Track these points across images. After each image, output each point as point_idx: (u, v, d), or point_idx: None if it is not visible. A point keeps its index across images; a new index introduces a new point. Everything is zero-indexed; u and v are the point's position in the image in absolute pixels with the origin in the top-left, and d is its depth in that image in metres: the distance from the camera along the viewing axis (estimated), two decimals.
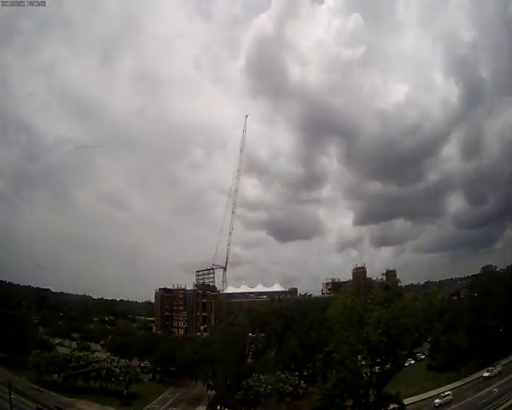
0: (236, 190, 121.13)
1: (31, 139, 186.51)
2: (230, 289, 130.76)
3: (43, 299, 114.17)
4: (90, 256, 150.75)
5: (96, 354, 74.09)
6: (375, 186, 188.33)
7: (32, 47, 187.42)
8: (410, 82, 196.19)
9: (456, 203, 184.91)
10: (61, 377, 62.03)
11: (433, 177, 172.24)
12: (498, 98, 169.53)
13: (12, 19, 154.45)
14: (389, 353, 42.23)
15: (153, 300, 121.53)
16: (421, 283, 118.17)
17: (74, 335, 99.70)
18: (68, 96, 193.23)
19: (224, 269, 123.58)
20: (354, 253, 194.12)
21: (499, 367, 56.75)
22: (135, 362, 72.56)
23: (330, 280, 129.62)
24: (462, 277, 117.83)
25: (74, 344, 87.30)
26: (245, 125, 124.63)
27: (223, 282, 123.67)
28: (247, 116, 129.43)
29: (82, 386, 61.81)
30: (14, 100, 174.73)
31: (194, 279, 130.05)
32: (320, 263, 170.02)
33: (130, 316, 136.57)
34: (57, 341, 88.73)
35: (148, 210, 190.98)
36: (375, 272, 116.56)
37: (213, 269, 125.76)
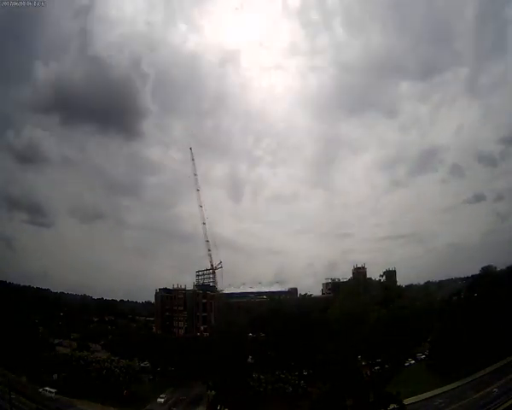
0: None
1: None
2: (230, 289, 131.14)
3: (43, 299, 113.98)
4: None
5: (96, 354, 74.10)
6: None
7: None
8: None
9: None
10: (61, 378, 62.00)
11: None
12: None
13: None
14: (389, 353, 42.31)
15: (153, 300, 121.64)
16: (421, 283, 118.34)
17: (74, 335, 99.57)
18: None
19: (213, 272, 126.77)
20: None
21: None
22: (135, 362, 72.51)
23: (330, 280, 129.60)
24: (462, 277, 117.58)
25: (74, 344, 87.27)
26: None
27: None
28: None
29: (82, 386, 61.79)
30: None
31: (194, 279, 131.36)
32: None
33: (130, 316, 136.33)
34: (57, 341, 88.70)
35: None
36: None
37: (213, 269, 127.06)
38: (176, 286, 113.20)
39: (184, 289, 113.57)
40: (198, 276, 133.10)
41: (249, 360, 69.68)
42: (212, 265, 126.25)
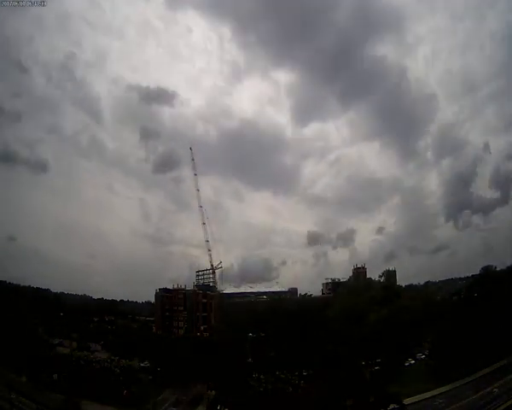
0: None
1: None
2: (230, 289, 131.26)
3: (43, 299, 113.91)
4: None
5: (96, 354, 74.07)
6: None
7: None
8: None
9: None
10: (61, 378, 61.94)
11: None
12: None
13: None
14: (389, 353, 42.34)
15: (153, 300, 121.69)
16: (421, 283, 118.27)
17: (74, 335, 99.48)
18: None
19: (213, 272, 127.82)
20: None
21: None
22: (135, 362, 72.45)
23: (330, 280, 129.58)
24: (462, 277, 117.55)
25: (74, 344, 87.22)
26: None
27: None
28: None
29: (82, 386, 61.70)
30: None
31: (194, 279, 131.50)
32: None
33: (130, 316, 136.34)
34: (57, 341, 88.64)
35: None
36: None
37: (213, 269, 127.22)
38: (176, 286, 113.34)
39: (184, 289, 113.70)
40: (198, 276, 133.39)
41: (249, 360, 69.68)
42: (212, 265, 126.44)
